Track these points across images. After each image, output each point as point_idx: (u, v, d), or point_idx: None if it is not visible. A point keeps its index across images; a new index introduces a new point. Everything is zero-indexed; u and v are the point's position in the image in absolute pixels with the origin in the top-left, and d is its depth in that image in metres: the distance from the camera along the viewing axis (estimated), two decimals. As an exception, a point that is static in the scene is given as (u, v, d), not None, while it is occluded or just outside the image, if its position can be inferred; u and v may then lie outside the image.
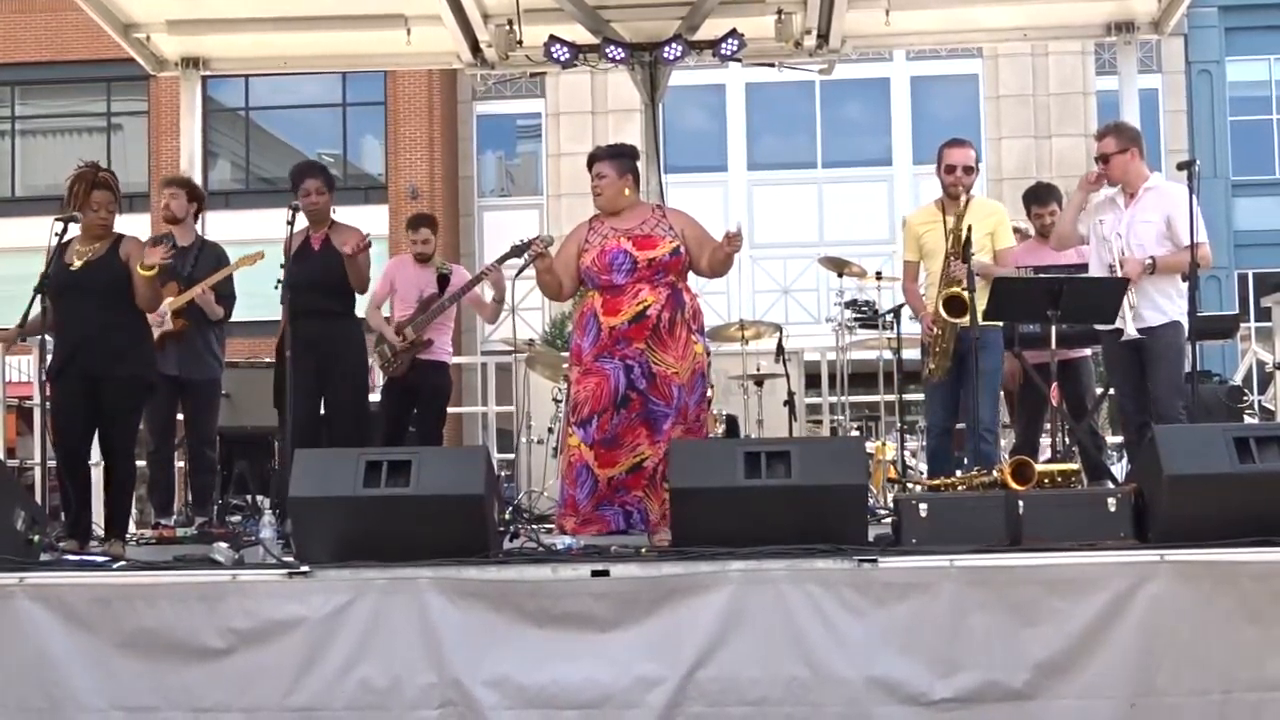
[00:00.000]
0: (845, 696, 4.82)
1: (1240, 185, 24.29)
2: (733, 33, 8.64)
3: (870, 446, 8.76)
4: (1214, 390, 8.79)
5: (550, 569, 5.05)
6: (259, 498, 8.57)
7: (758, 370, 9.36)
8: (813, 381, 10.82)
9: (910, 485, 8.17)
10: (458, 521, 5.18)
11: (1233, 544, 4.90)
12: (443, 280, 7.85)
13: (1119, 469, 8.42)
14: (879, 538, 5.44)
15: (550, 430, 8.91)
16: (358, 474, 5.20)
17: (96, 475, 6.63)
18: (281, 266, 6.72)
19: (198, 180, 8.85)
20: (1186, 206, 6.46)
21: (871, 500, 7.26)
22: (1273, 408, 9.74)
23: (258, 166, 25.02)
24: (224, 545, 5.69)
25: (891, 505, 6.65)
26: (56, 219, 6.33)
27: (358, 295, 7.23)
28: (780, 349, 9.28)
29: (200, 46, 9.23)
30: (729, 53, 8.68)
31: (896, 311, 9.05)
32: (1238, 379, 10.23)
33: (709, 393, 6.34)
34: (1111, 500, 5.28)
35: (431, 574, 4.98)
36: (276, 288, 6.61)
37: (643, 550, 5.48)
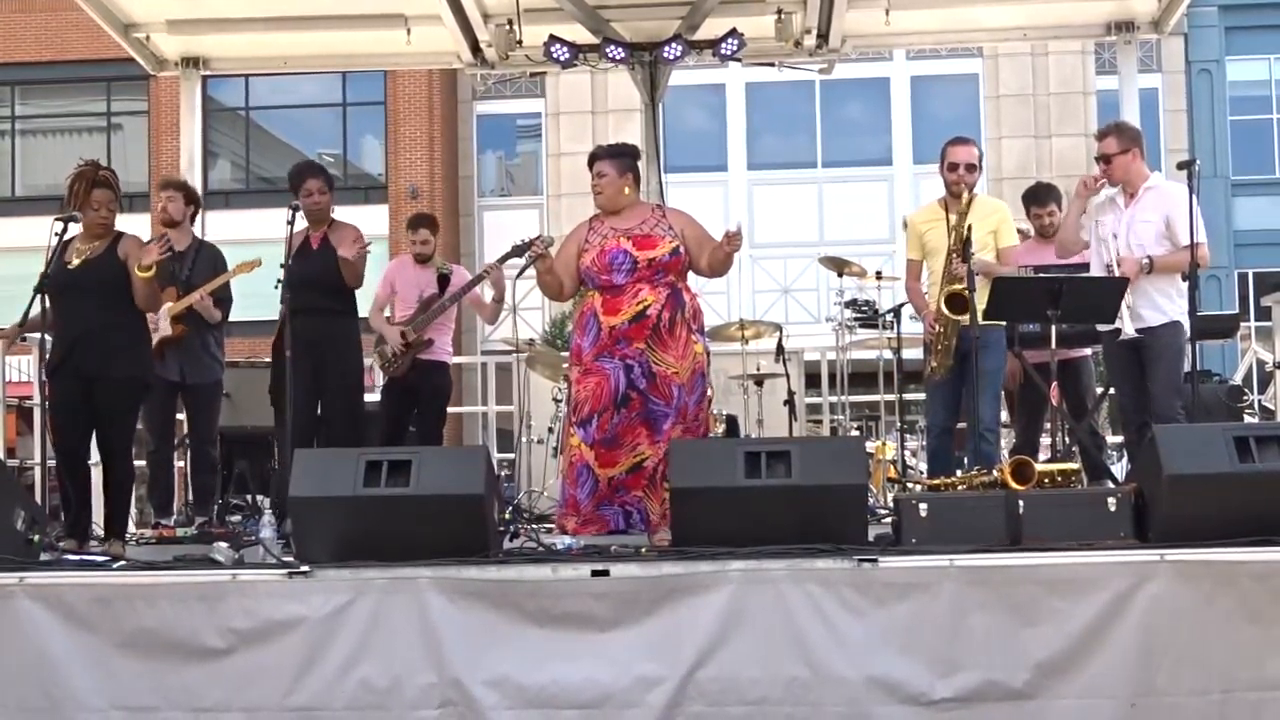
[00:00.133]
0: (845, 696, 4.82)
1: (1240, 185, 24.29)
2: (733, 32, 8.64)
3: (870, 446, 8.76)
4: (1214, 390, 8.79)
5: (550, 569, 5.05)
6: (259, 497, 8.57)
7: (758, 370, 9.36)
8: (813, 381, 10.82)
9: (910, 485, 8.17)
10: (458, 521, 5.18)
11: (1233, 544, 4.90)
12: (443, 281, 7.85)
13: (1119, 469, 8.42)
14: (879, 537, 5.44)
15: (550, 430, 8.91)
16: (358, 474, 5.20)
17: (96, 475, 6.63)
18: (282, 266, 6.72)
19: (198, 180, 8.86)
20: (1186, 206, 6.46)
21: (871, 500, 7.26)
22: (1273, 407, 9.73)
23: (258, 166, 25.02)
24: (224, 545, 5.69)
25: (891, 505, 6.65)
26: (57, 218, 6.33)
27: (357, 294, 7.24)
28: (780, 349, 9.28)
29: (200, 46, 9.23)
30: (729, 52, 8.68)
31: (896, 311, 9.06)
32: (1238, 378, 10.23)
33: (709, 392, 6.34)
34: (1111, 500, 5.29)
35: (431, 574, 4.98)
36: (276, 287, 6.61)
37: (643, 550, 5.48)
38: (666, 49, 8.63)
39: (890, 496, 7.85)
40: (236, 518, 8.18)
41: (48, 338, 6.64)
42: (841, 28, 8.79)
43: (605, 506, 6.00)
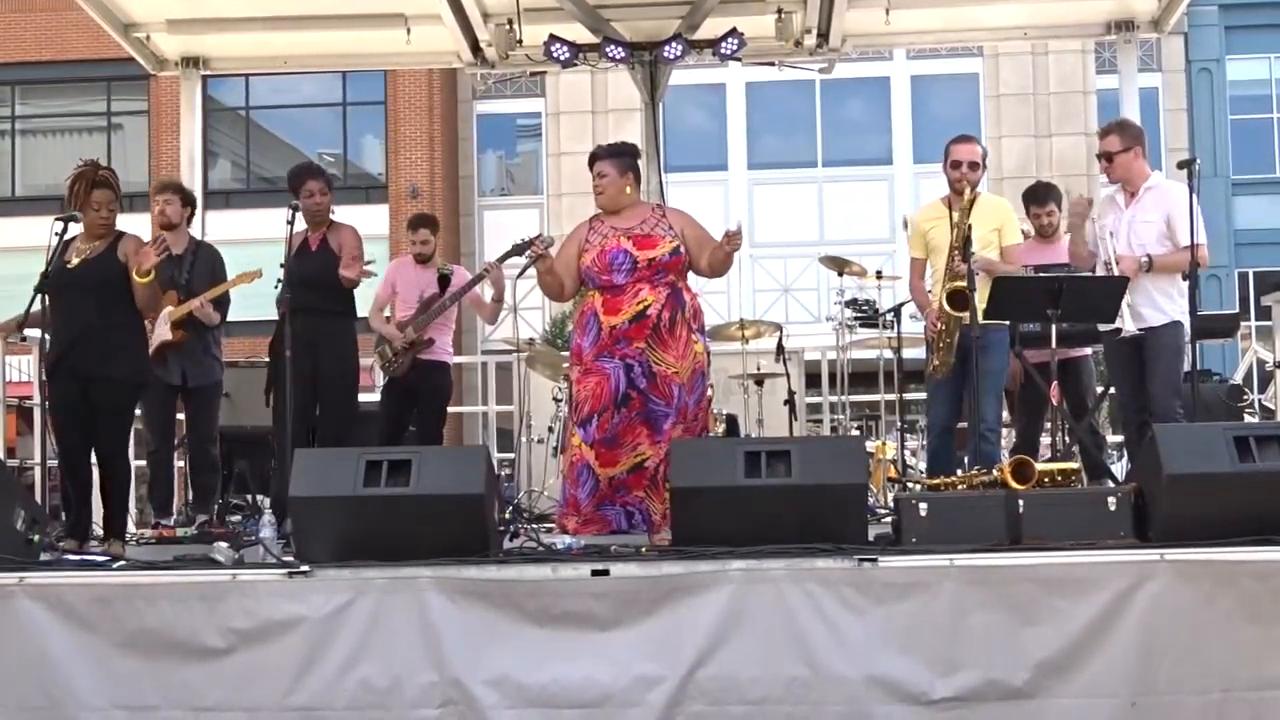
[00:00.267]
0: (845, 695, 4.82)
1: (1240, 184, 24.29)
2: (733, 32, 8.64)
3: (870, 446, 8.75)
4: (1214, 389, 8.79)
5: (550, 568, 5.05)
6: (259, 497, 8.57)
7: (758, 369, 9.35)
8: (813, 381, 10.82)
9: (910, 484, 8.17)
10: (458, 521, 5.18)
11: (1233, 543, 4.90)
12: (443, 281, 7.85)
13: (1119, 468, 8.42)
14: (879, 537, 5.44)
15: (550, 430, 8.90)
16: (358, 474, 5.20)
17: (97, 475, 6.62)
18: (281, 266, 6.73)
19: (198, 180, 8.87)
20: (1186, 205, 6.46)
21: (871, 499, 7.25)
22: (1273, 406, 9.73)
23: (258, 166, 25.02)
24: (224, 545, 5.69)
25: (892, 504, 6.65)
26: (57, 218, 6.33)
27: (356, 294, 7.25)
28: (780, 348, 9.28)
29: (200, 46, 9.23)
30: (729, 52, 8.68)
31: (896, 311, 9.05)
32: (1238, 378, 10.22)
33: (709, 392, 6.34)
34: (1111, 499, 5.28)
35: (432, 573, 4.98)
36: (276, 287, 6.62)
37: (643, 550, 5.48)
38: (666, 48, 8.63)
39: (890, 496, 7.85)
40: (236, 518, 8.18)
41: (48, 337, 6.63)
42: (842, 27, 8.79)
43: (606, 506, 6.00)
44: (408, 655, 4.92)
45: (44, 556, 5.69)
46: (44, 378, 6.41)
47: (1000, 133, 23.87)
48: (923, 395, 7.74)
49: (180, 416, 7.83)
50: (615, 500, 5.99)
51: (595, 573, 4.98)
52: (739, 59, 8.91)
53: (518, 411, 9.50)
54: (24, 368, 11.69)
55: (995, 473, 5.82)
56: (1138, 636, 4.79)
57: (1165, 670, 4.78)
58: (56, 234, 6.31)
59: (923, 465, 8.57)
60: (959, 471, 6.48)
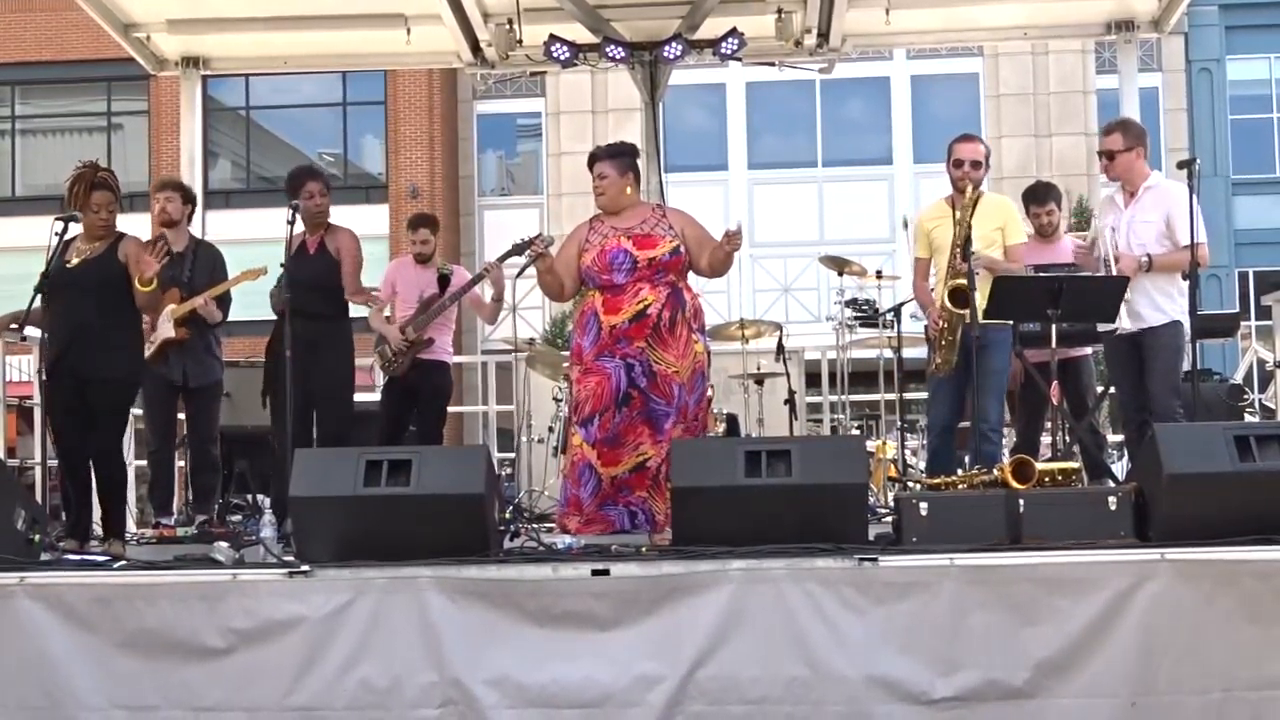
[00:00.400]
0: (846, 695, 4.81)
1: (1240, 184, 24.28)
2: (733, 32, 8.64)
3: (871, 445, 8.75)
4: (1214, 389, 8.79)
5: (550, 568, 5.05)
6: (259, 497, 8.57)
7: (758, 369, 9.35)
8: (813, 380, 10.82)
9: (910, 484, 8.17)
10: (458, 521, 5.18)
11: (1233, 543, 4.90)
12: (443, 281, 7.85)
13: (1119, 467, 8.42)
14: (879, 536, 5.44)
15: (550, 429, 8.90)
16: (358, 473, 5.20)
17: (94, 475, 6.62)
18: (281, 266, 6.73)
19: (198, 179, 8.87)
20: (1185, 205, 6.47)
21: (872, 499, 7.25)
22: (1273, 406, 9.73)
23: (258, 166, 25.02)
24: (224, 545, 5.69)
25: (892, 504, 6.65)
26: (57, 218, 6.33)
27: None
28: (780, 348, 9.27)
29: (200, 46, 9.23)
30: (729, 52, 8.68)
31: (897, 310, 9.05)
32: (1238, 377, 10.22)
33: (709, 392, 6.34)
34: (1112, 499, 5.28)
35: (432, 573, 4.98)
36: (278, 286, 6.62)
37: (643, 549, 5.48)
38: (667, 48, 8.63)
39: (891, 496, 7.85)
40: (237, 517, 8.18)
41: (47, 337, 6.64)
42: (842, 27, 8.79)
43: (609, 506, 5.99)
44: (408, 655, 4.92)
45: (44, 556, 5.69)
46: (44, 378, 6.41)
47: (1000, 133, 23.86)
48: (923, 395, 7.73)
49: (181, 416, 7.84)
50: (618, 500, 5.99)
51: (595, 572, 4.98)
52: (739, 59, 8.91)
53: (518, 411, 9.50)
54: (24, 368, 11.69)
55: (995, 472, 5.82)
56: (1138, 636, 4.79)
57: (1165, 670, 4.78)
58: (56, 234, 6.31)
59: (923, 465, 8.57)
60: (959, 471, 6.48)
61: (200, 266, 7.45)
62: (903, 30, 9.14)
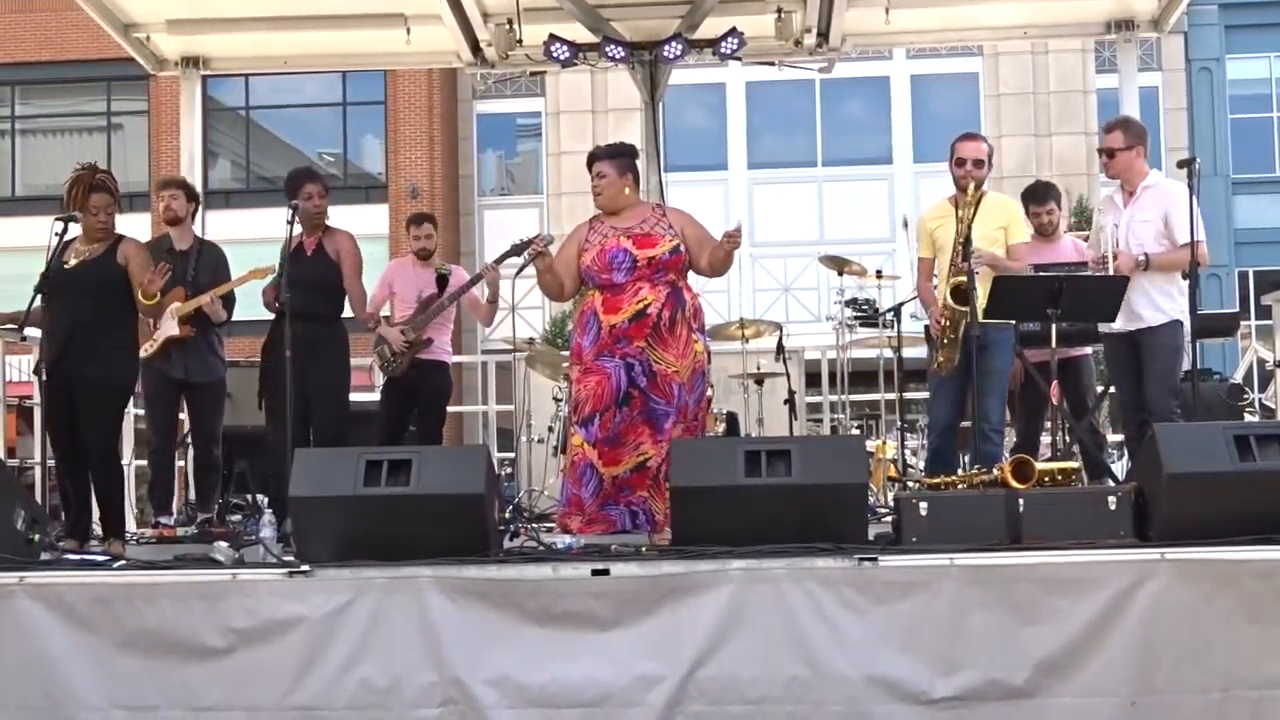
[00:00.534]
0: (846, 695, 4.81)
1: (1240, 183, 24.28)
2: (732, 31, 8.64)
3: (871, 445, 8.76)
4: (1214, 388, 8.78)
5: (550, 568, 5.05)
6: (259, 497, 8.57)
7: (758, 369, 9.35)
8: (813, 380, 10.82)
9: (910, 484, 8.17)
10: (458, 521, 5.18)
11: (1233, 542, 4.90)
12: (441, 281, 7.85)
13: (1119, 467, 8.42)
14: (879, 536, 5.44)
15: (550, 429, 8.91)
16: (358, 473, 5.20)
17: (91, 476, 6.62)
18: (281, 265, 6.73)
19: (198, 179, 8.87)
20: (1183, 204, 6.47)
21: (872, 499, 7.25)
22: (1273, 405, 9.73)
23: (258, 166, 25.02)
24: (224, 544, 5.69)
25: (892, 504, 6.64)
26: (57, 218, 6.33)
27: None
28: (780, 347, 9.27)
29: (200, 46, 9.23)
30: (729, 51, 8.68)
31: (897, 310, 9.05)
32: (1238, 377, 10.22)
33: (709, 392, 6.34)
34: (1112, 499, 5.28)
35: (432, 573, 4.98)
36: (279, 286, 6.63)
37: (643, 549, 5.48)
38: (666, 48, 8.62)
39: (890, 495, 7.85)
40: (237, 517, 8.18)
41: (46, 337, 6.64)
42: (841, 26, 8.79)
43: (610, 506, 5.99)
44: (408, 655, 4.92)
45: (44, 556, 5.68)
46: (43, 378, 6.42)
47: (1000, 132, 23.85)
48: (923, 395, 7.72)
49: (182, 416, 7.84)
50: (619, 500, 5.99)
51: (595, 572, 4.98)
52: (739, 58, 8.91)
53: (518, 411, 9.50)
54: (24, 368, 11.70)
55: (995, 472, 5.82)
56: (1138, 636, 4.79)
57: (1165, 669, 4.78)
58: (56, 234, 6.31)
59: (923, 464, 8.57)
60: (959, 471, 6.47)
61: (204, 265, 7.46)
62: (902, 30, 9.14)
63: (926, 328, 7.03)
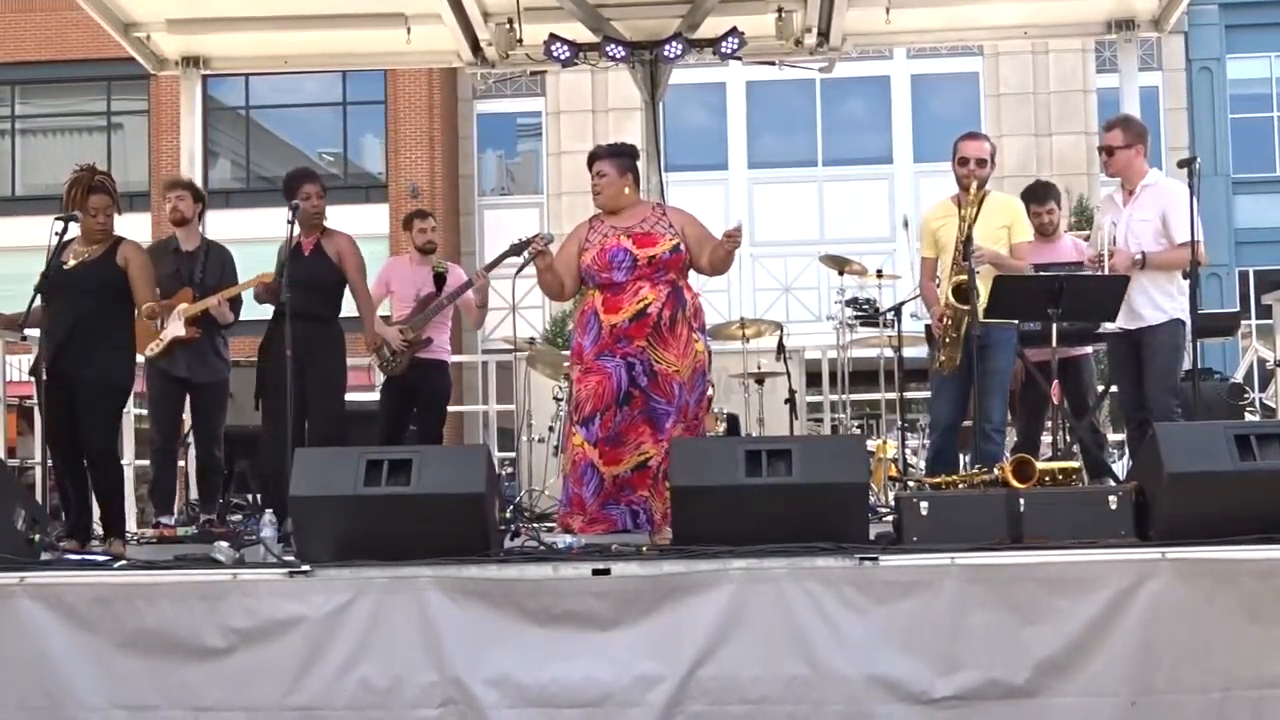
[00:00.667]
0: (846, 694, 4.81)
1: (1241, 183, 24.29)
2: (733, 31, 8.63)
3: (871, 444, 8.76)
4: (1215, 388, 8.79)
5: (551, 567, 5.05)
6: (259, 497, 8.57)
7: (758, 368, 9.35)
8: (814, 380, 10.82)
9: (911, 483, 8.17)
10: (458, 520, 5.17)
11: (1233, 542, 4.90)
12: (439, 279, 7.85)
13: (1120, 467, 8.42)
14: (880, 536, 5.43)
15: (551, 429, 8.90)
16: (358, 473, 5.20)
17: (90, 477, 6.62)
18: (281, 264, 6.73)
19: (198, 179, 8.87)
20: (1181, 202, 6.47)
21: (872, 498, 7.25)
22: (1274, 405, 9.73)
23: (258, 165, 25.02)
24: (224, 544, 5.68)
25: (892, 503, 6.64)
26: (57, 218, 6.33)
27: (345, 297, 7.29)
28: (781, 347, 9.27)
29: (200, 45, 9.23)
30: (729, 51, 8.68)
31: (897, 309, 9.04)
32: (1239, 376, 10.23)
33: (709, 391, 6.34)
34: (1112, 498, 5.27)
35: (432, 573, 4.98)
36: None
37: (643, 549, 5.47)
38: (667, 48, 8.62)
39: (891, 495, 7.84)
40: (237, 517, 8.18)
41: (44, 337, 6.64)
42: (842, 26, 8.79)
43: (612, 505, 5.99)
44: (408, 655, 4.91)
45: (44, 556, 5.68)
46: (42, 378, 6.42)
47: (1000, 132, 23.83)
48: (923, 394, 7.72)
49: (185, 416, 7.84)
50: (620, 499, 5.99)
51: (596, 572, 4.98)
52: (739, 58, 8.91)
53: (518, 411, 9.50)
54: (24, 367, 11.71)
55: (996, 471, 5.82)
56: (1138, 635, 4.79)
57: (1166, 669, 4.78)
58: (56, 234, 6.31)
59: (923, 464, 8.57)
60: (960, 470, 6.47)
61: (211, 266, 7.48)
62: (903, 29, 9.13)
63: (927, 327, 7.02)
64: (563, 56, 8.70)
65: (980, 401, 6.53)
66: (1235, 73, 24.75)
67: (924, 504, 5.32)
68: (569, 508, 6.06)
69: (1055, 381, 6.32)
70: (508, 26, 8.80)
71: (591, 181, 6.25)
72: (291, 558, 5.26)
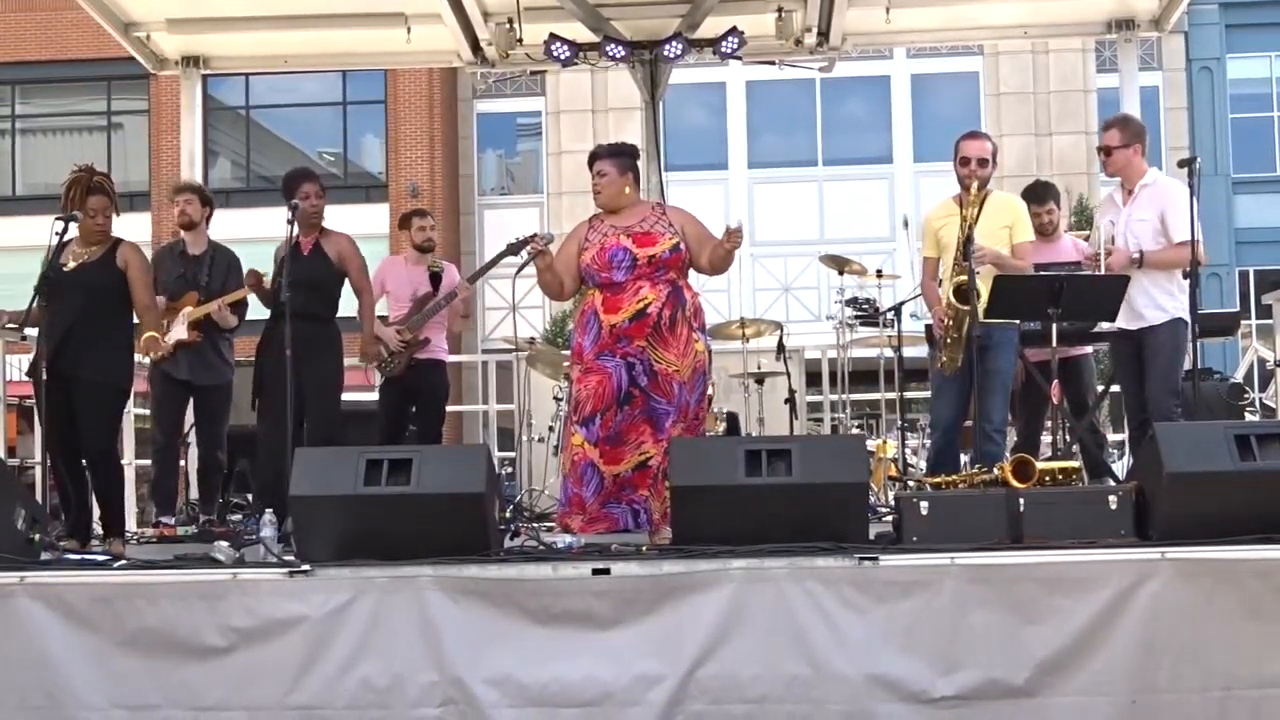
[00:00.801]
0: (846, 694, 4.81)
1: (1241, 182, 24.28)
2: (733, 30, 8.64)
3: (871, 444, 8.76)
4: (1215, 387, 8.78)
5: (551, 567, 5.05)
6: (258, 496, 8.57)
7: (758, 368, 9.36)
8: (813, 379, 10.83)
9: (911, 483, 8.17)
10: (458, 520, 5.18)
11: (1233, 542, 4.90)
12: (435, 279, 7.85)
13: (1120, 466, 8.42)
14: (880, 536, 5.44)
15: (551, 428, 8.91)
16: (358, 473, 5.20)
17: (90, 477, 6.63)
18: (281, 263, 6.73)
19: (198, 179, 8.88)
20: (1180, 202, 6.47)
21: (872, 498, 7.25)
22: (1274, 405, 9.73)
23: (258, 165, 25.02)
24: (225, 544, 5.68)
25: (892, 503, 6.64)
26: (57, 218, 6.33)
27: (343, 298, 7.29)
28: (781, 347, 9.28)
29: (200, 45, 9.24)
30: (729, 51, 8.68)
31: (897, 309, 9.05)
32: (1239, 376, 10.22)
33: (709, 391, 6.34)
34: (1112, 498, 5.28)
35: (432, 572, 4.98)
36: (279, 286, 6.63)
37: (643, 548, 5.47)
38: (667, 47, 8.63)
39: (891, 495, 7.85)
40: (237, 517, 8.19)
41: (43, 337, 6.65)
42: (842, 26, 8.79)
43: (612, 505, 5.99)
44: (408, 654, 4.92)
45: (44, 556, 5.68)
46: (43, 377, 6.42)
47: (1000, 131, 23.81)
48: (923, 394, 7.71)
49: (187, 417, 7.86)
50: (621, 498, 5.99)
51: (596, 571, 4.98)
52: (739, 58, 8.91)
53: (518, 410, 9.51)
54: (24, 367, 11.71)
55: (996, 471, 5.82)
56: (1138, 635, 4.79)
57: (1166, 668, 4.78)
58: (56, 234, 6.31)
59: (923, 464, 8.57)
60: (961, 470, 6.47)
61: (217, 270, 7.50)
62: (903, 29, 9.14)
63: (927, 327, 7.02)
64: (563, 56, 8.71)
65: (981, 402, 6.52)
66: (1235, 72, 24.75)
67: (924, 504, 5.32)
68: (568, 507, 6.06)
69: (1055, 381, 6.32)
70: (508, 26, 8.80)
71: (592, 181, 6.25)
72: (291, 557, 5.26)
